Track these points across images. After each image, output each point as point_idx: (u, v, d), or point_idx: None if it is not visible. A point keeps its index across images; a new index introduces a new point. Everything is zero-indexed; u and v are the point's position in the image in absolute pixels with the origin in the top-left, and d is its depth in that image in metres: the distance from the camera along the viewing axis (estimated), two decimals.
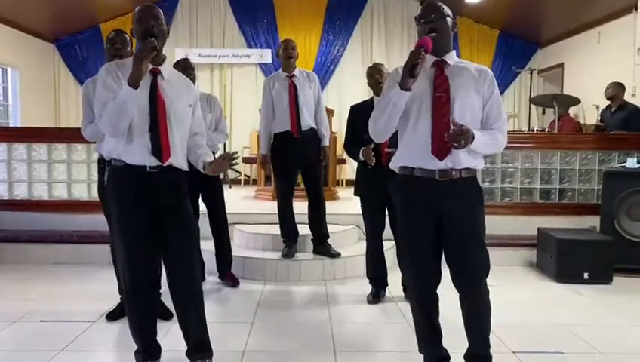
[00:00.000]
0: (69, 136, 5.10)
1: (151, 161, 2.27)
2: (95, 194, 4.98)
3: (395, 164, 2.38)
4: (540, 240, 4.58)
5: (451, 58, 2.28)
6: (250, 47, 8.57)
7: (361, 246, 4.54)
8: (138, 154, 2.26)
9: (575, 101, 6.61)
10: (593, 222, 4.70)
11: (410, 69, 2.11)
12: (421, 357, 2.47)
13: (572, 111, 7.05)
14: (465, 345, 2.41)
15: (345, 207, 4.58)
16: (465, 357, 2.41)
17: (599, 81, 6.56)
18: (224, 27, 8.60)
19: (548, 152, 5.04)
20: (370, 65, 3.66)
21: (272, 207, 4.87)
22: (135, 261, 2.32)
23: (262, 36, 8.59)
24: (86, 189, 5.05)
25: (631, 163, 4.52)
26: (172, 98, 2.32)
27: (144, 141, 2.25)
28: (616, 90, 5.85)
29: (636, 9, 5.98)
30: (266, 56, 8.52)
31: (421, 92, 2.22)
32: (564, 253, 4.18)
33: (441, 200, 2.23)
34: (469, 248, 2.26)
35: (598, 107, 6.32)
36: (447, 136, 2.10)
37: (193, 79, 3.85)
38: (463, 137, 2.08)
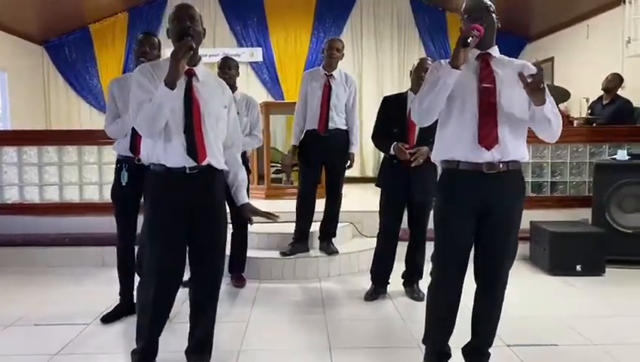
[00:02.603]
0: (60, 138, 5.08)
1: (189, 162, 2.26)
2: (86, 197, 5.02)
3: (437, 158, 2.36)
4: (532, 234, 4.60)
5: (495, 52, 2.27)
6: (240, 46, 8.56)
7: (356, 243, 4.58)
8: (176, 155, 2.25)
9: (565, 95, 6.64)
10: (585, 214, 4.73)
11: (464, 40, 2.09)
12: (418, 354, 2.48)
13: (561, 105, 7.07)
14: (462, 340, 2.43)
15: None
16: (464, 349, 2.42)
17: (589, 74, 6.60)
18: (214, 26, 8.56)
19: (539, 146, 5.07)
20: (419, 60, 3.50)
21: (266, 205, 4.85)
22: (167, 263, 2.32)
23: (252, 35, 8.58)
24: (77, 192, 5.02)
25: (621, 155, 4.55)
26: (206, 99, 2.30)
27: (180, 142, 2.24)
28: (615, 82, 5.85)
29: (624, 2, 6.01)
30: (257, 54, 8.53)
31: (466, 84, 2.20)
32: (556, 245, 4.21)
33: (487, 195, 2.21)
34: (505, 241, 2.27)
35: (587, 100, 6.35)
36: (529, 79, 2.02)
37: (229, 79, 3.73)
38: (542, 78, 2.03)
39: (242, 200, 2.51)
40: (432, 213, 2.44)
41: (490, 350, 2.40)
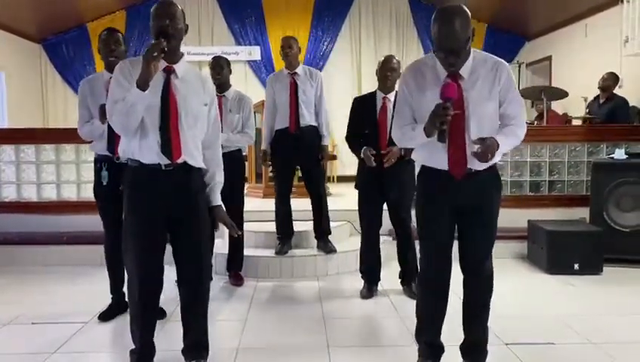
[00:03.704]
0: (58, 136, 5.07)
1: (163, 160, 2.25)
2: (84, 195, 5.00)
3: (416, 161, 2.41)
4: (530, 233, 4.60)
5: (467, 67, 2.18)
6: (238, 44, 8.56)
7: (354, 242, 4.54)
8: (151, 153, 2.24)
9: (563, 94, 6.64)
10: (583, 213, 4.73)
11: (439, 134, 2.09)
12: (415, 352, 2.48)
13: (559, 103, 7.08)
14: (458, 340, 2.43)
15: (337, 203, 4.60)
16: (462, 347, 2.43)
17: (587, 73, 6.61)
18: (212, 25, 8.56)
19: (537, 145, 5.07)
20: (383, 59, 3.50)
21: (264, 204, 4.87)
22: (147, 261, 2.32)
23: (250, 33, 8.57)
24: (75, 190, 5.01)
25: (619, 154, 4.55)
26: (185, 97, 2.29)
27: (156, 139, 2.23)
28: (611, 81, 5.86)
29: (622, 1, 6.02)
30: (255, 53, 8.53)
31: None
32: (554, 244, 4.21)
33: (462, 194, 2.24)
34: (484, 236, 2.31)
35: (586, 99, 6.36)
36: (475, 156, 2.09)
37: (221, 78, 3.75)
38: (489, 151, 2.08)
39: (215, 202, 2.47)
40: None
41: (487, 348, 2.40)
